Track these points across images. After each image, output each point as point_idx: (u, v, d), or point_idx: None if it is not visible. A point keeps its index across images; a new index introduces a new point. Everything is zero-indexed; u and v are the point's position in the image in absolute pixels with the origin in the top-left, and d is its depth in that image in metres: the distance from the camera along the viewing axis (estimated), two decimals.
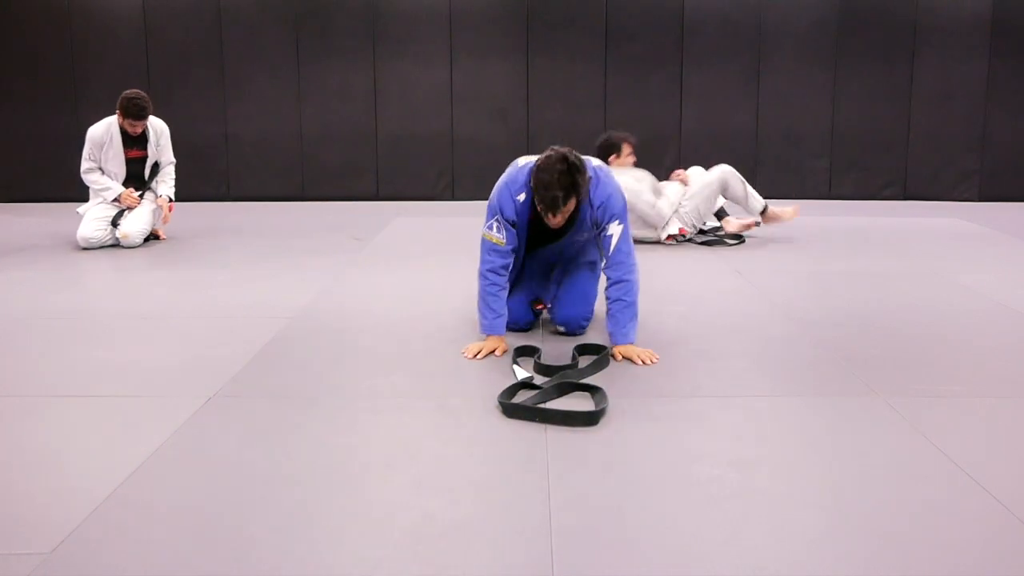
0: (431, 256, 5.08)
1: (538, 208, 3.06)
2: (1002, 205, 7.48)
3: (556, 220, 3.07)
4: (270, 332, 3.44)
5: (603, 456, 2.28)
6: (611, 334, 3.16)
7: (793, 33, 7.59)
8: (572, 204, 3.02)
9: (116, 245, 5.44)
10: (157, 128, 5.62)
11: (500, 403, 2.58)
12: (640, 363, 3.05)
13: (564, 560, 1.77)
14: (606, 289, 3.19)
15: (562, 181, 2.93)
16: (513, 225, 3.17)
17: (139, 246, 5.44)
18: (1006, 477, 2.16)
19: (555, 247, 3.37)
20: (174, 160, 5.77)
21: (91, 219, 5.43)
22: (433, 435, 2.43)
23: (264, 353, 3.18)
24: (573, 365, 2.93)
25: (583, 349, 3.12)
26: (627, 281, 3.14)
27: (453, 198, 7.78)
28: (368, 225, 6.27)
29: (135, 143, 5.55)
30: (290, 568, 1.75)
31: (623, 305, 3.14)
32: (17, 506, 2.04)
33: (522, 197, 3.13)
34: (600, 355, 3.00)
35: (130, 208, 5.52)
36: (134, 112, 5.37)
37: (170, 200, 5.67)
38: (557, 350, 3.17)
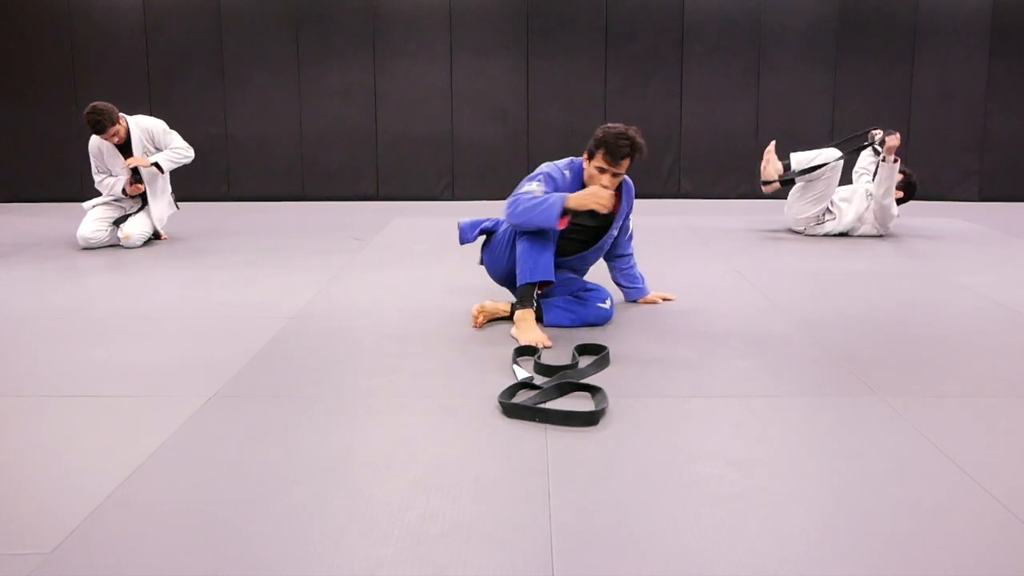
0: (431, 256, 5.08)
1: (602, 162, 3.31)
2: (1002, 205, 7.49)
3: (613, 182, 3.34)
4: (270, 332, 3.44)
5: (603, 456, 2.28)
6: (632, 289, 3.86)
7: (793, 33, 7.59)
8: (627, 164, 3.36)
9: (116, 245, 5.44)
10: (146, 128, 5.45)
11: (500, 403, 2.58)
12: (662, 301, 3.86)
13: (564, 560, 1.77)
14: (615, 260, 3.82)
15: (631, 133, 3.32)
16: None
17: (139, 246, 5.45)
18: (1006, 477, 2.16)
19: (584, 254, 3.59)
20: (187, 148, 5.53)
21: (92, 219, 5.42)
22: (433, 435, 2.43)
23: (264, 353, 3.19)
24: (573, 365, 2.93)
25: (583, 349, 3.12)
26: (630, 255, 3.86)
27: (453, 198, 7.78)
28: (368, 225, 6.27)
29: (125, 150, 5.45)
30: (290, 568, 1.75)
31: (633, 264, 3.87)
32: (17, 506, 2.04)
33: (568, 173, 3.45)
34: (600, 355, 3.00)
35: (136, 193, 5.44)
36: (91, 127, 5.27)
37: (156, 165, 5.41)
38: (557, 350, 3.17)
